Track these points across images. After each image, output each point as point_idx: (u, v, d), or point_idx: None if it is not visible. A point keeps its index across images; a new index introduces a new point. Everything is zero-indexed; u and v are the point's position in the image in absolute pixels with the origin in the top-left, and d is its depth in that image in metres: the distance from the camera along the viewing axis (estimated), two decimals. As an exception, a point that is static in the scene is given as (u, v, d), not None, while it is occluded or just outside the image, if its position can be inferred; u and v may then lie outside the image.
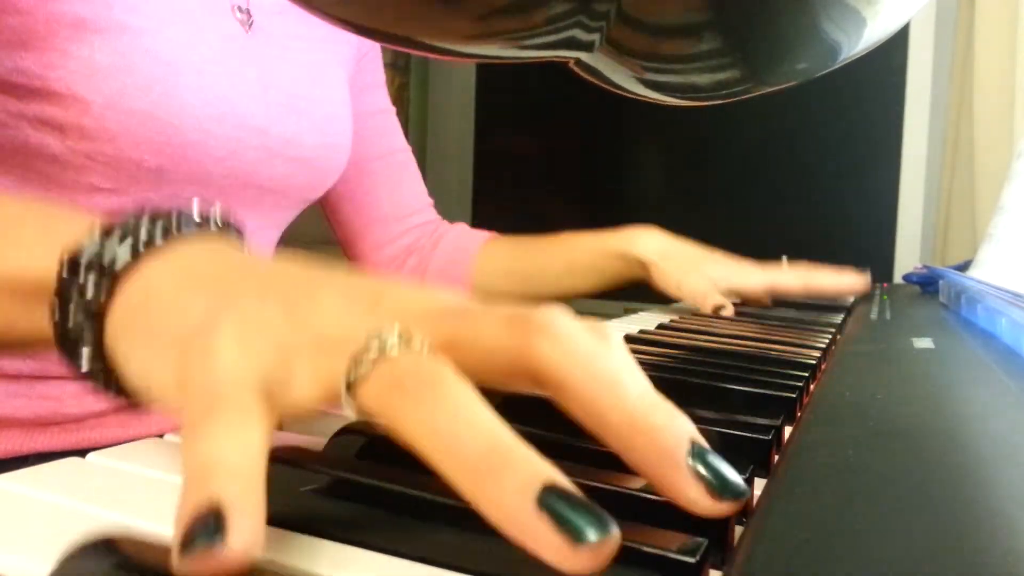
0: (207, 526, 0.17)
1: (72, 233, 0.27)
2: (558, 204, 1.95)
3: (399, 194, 0.82)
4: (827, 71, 0.30)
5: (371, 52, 0.79)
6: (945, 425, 0.30)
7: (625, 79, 0.28)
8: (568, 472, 0.22)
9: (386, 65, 0.83)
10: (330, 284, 0.25)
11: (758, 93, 0.31)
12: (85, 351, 0.27)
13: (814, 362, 0.43)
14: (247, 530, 0.17)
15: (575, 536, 0.17)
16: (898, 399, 0.34)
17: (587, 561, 0.17)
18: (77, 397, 0.57)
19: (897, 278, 1.48)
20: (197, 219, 0.29)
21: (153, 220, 0.28)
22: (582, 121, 1.85)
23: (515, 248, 0.84)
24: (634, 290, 0.79)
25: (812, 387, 0.40)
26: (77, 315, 0.26)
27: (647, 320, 0.70)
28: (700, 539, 0.18)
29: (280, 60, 0.63)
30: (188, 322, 0.24)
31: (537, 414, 0.33)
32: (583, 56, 0.27)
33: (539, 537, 0.17)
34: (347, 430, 0.26)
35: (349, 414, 0.21)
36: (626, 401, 0.20)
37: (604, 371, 0.21)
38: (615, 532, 0.17)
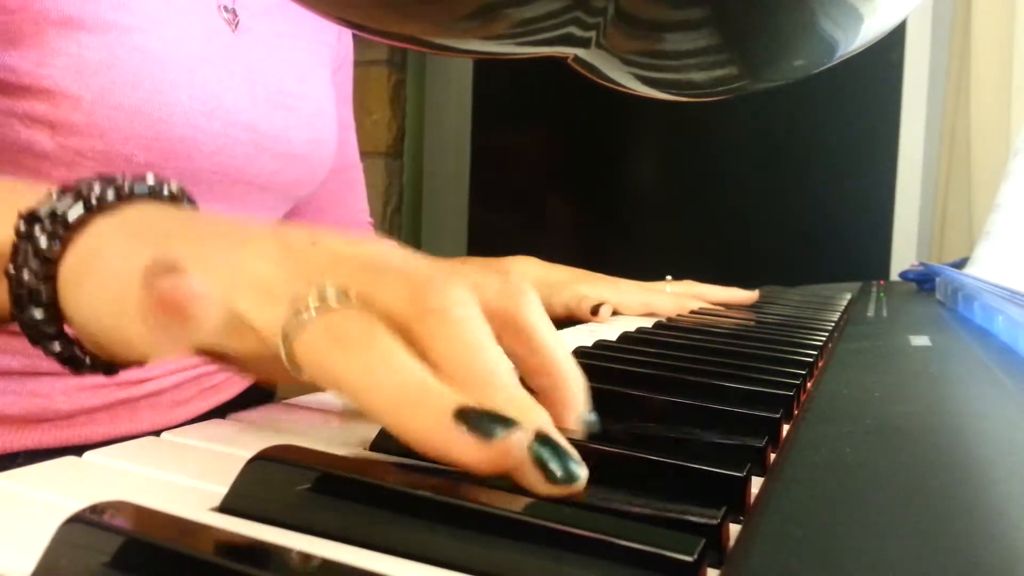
0: None
1: (32, 200, 0.29)
2: (555, 200, 1.95)
3: (340, 210, 0.82)
4: (824, 68, 0.30)
5: (344, 65, 0.79)
6: (942, 423, 0.30)
7: (622, 75, 0.28)
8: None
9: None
10: (264, 234, 0.27)
11: (755, 90, 0.31)
12: (38, 312, 0.28)
13: (811, 360, 0.43)
14: None
15: (486, 435, 0.20)
16: (895, 397, 0.34)
17: (501, 455, 0.20)
18: (68, 394, 0.57)
19: (894, 275, 1.48)
20: (150, 186, 0.31)
21: (106, 184, 0.30)
22: (579, 117, 1.85)
23: None
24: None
25: (809, 385, 0.40)
26: (31, 267, 0.28)
27: (645, 318, 0.70)
28: (698, 538, 0.18)
29: (266, 58, 0.63)
30: (133, 267, 0.25)
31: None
32: (580, 52, 0.27)
33: (456, 443, 0.20)
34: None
35: (284, 362, 0.24)
36: (495, 397, 0.23)
37: (479, 365, 0.23)
38: (522, 428, 0.20)
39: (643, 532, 0.18)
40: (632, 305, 0.73)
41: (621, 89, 0.29)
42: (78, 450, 0.27)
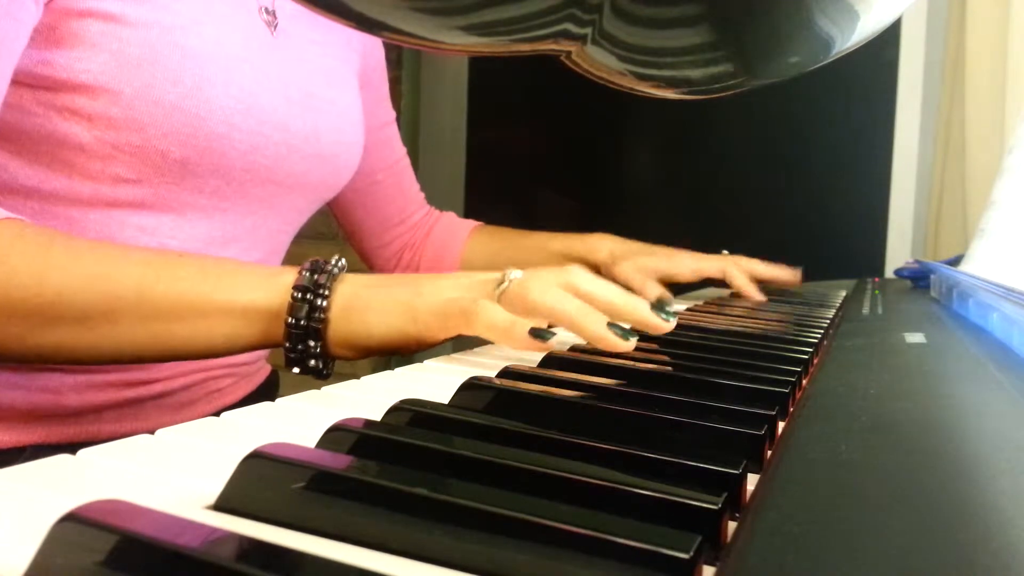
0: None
1: (276, 275, 0.47)
2: (550, 197, 1.95)
3: (402, 198, 0.90)
4: (820, 65, 0.30)
5: (379, 67, 0.84)
6: (937, 419, 0.30)
7: (618, 72, 0.28)
8: (564, 469, 0.22)
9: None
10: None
11: (751, 87, 0.31)
12: (311, 342, 0.45)
13: (806, 357, 0.43)
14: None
15: (624, 337, 0.44)
16: (890, 394, 0.35)
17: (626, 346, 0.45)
18: (76, 390, 0.57)
19: (888, 273, 1.48)
20: (339, 268, 0.47)
21: (325, 266, 0.47)
22: (575, 114, 1.85)
23: (497, 240, 0.93)
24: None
25: (804, 382, 0.40)
26: (310, 319, 0.45)
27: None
28: (694, 535, 0.18)
29: (298, 61, 0.65)
30: (399, 299, 0.46)
31: (533, 413, 0.33)
32: (575, 49, 0.26)
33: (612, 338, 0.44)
34: (338, 427, 0.26)
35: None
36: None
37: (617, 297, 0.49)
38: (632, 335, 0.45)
39: (640, 530, 0.18)
40: (684, 272, 0.83)
41: (616, 86, 0.29)
42: (84, 447, 0.27)
